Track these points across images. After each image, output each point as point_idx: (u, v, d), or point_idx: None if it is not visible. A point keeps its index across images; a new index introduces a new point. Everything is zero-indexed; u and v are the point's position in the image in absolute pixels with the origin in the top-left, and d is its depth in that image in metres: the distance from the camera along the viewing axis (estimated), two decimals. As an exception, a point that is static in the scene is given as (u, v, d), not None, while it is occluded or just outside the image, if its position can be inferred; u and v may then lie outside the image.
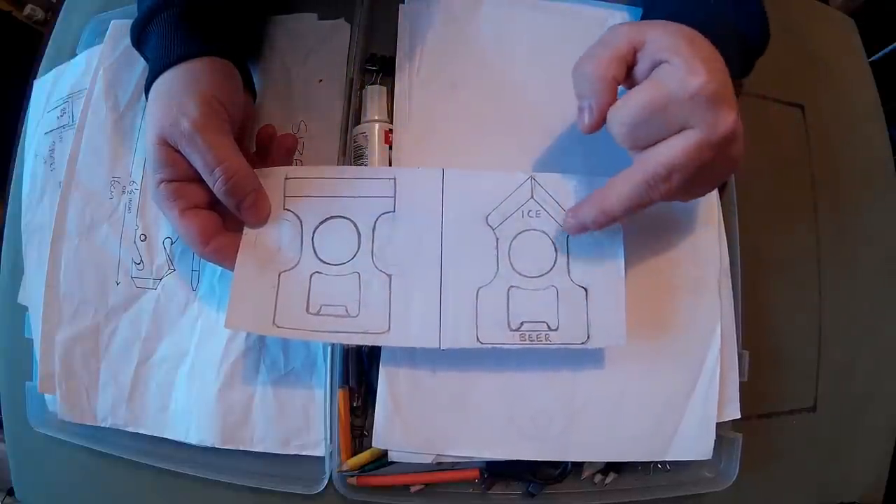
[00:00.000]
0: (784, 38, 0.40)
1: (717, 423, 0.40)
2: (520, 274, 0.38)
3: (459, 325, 0.37)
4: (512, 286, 0.37)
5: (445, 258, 0.38)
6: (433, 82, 0.45)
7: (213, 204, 0.37)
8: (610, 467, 0.42)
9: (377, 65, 0.47)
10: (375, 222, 0.38)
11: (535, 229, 0.38)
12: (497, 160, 0.43)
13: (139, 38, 0.40)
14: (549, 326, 0.37)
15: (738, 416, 0.41)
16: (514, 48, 0.46)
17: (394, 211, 0.38)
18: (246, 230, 0.38)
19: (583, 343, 0.36)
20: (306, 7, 0.48)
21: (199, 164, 0.35)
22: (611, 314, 0.37)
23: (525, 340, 0.37)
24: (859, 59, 0.57)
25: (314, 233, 0.38)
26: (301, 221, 0.38)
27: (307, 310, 0.37)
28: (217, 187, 0.35)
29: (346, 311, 0.37)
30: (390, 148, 0.43)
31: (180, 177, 0.36)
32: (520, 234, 0.38)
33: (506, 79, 0.45)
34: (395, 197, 0.39)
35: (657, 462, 0.42)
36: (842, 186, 0.52)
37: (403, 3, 0.47)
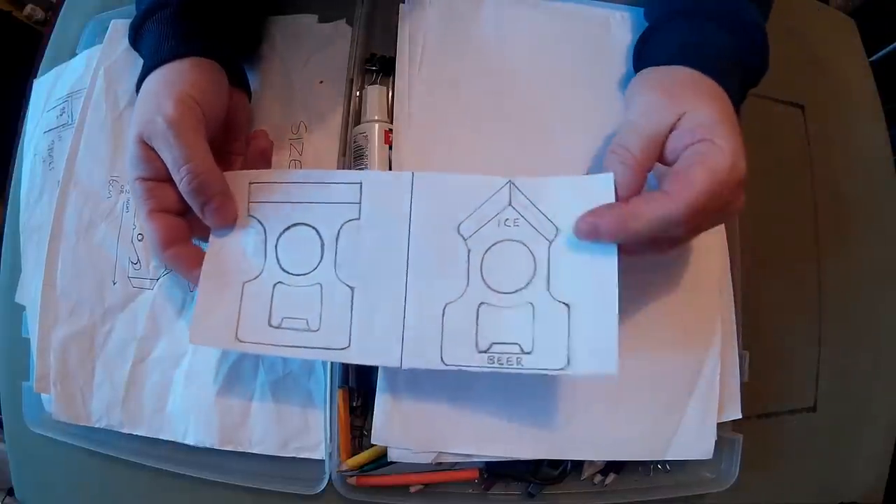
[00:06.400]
0: (784, 39, 0.40)
1: (718, 424, 0.40)
2: (492, 289, 0.35)
3: (423, 343, 0.35)
4: (482, 303, 0.35)
5: (411, 271, 0.35)
6: (433, 82, 0.45)
7: (186, 211, 0.37)
8: (610, 468, 0.42)
9: (377, 65, 0.47)
10: (339, 230, 0.37)
11: (512, 240, 0.35)
12: (497, 160, 0.43)
13: (136, 37, 0.40)
14: (521, 349, 0.34)
15: (739, 416, 0.41)
16: (514, 48, 0.46)
17: (359, 218, 0.36)
18: (212, 240, 0.37)
19: (561, 369, 0.33)
20: (306, 8, 0.48)
21: (168, 162, 0.35)
22: (598, 335, 0.32)
23: (493, 363, 0.34)
24: (859, 59, 0.57)
25: (278, 241, 0.37)
26: (265, 229, 0.37)
27: (269, 322, 0.36)
28: (182, 186, 0.35)
29: (308, 324, 0.36)
30: (390, 148, 0.43)
31: (155, 176, 0.36)
32: (495, 244, 0.35)
33: (506, 79, 0.45)
34: (360, 203, 0.37)
35: (657, 462, 0.42)
36: (842, 186, 0.52)
37: (403, 3, 0.47)
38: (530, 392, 0.39)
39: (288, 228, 0.37)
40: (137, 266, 0.44)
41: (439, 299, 0.35)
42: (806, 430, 0.47)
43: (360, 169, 0.43)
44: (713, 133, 0.33)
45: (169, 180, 0.36)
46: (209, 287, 0.36)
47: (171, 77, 0.37)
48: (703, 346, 0.41)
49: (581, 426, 0.39)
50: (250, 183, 0.37)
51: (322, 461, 0.41)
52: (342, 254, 0.36)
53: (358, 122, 0.45)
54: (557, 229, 0.35)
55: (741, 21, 0.38)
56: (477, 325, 0.35)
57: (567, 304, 0.34)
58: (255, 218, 0.37)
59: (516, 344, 0.34)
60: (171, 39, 0.38)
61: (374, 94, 0.45)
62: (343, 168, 0.44)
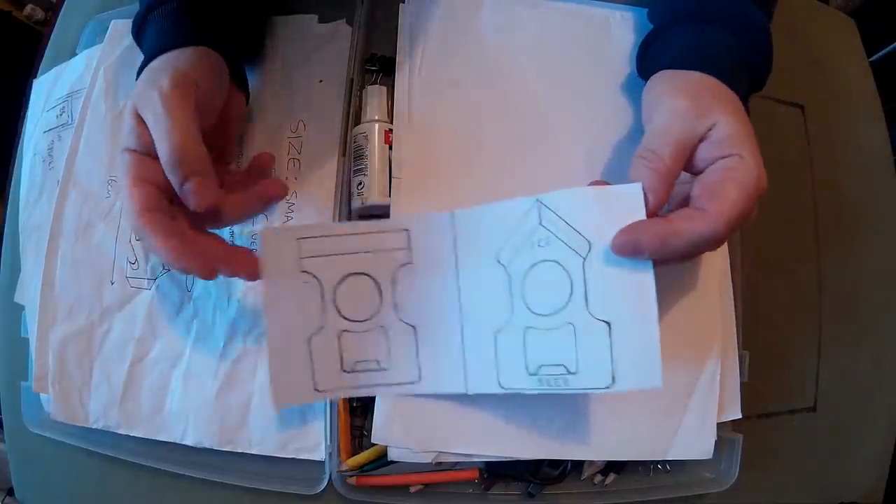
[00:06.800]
0: (784, 39, 0.40)
1: (718, 424, 0.40)
2: (534, 313, 0.35)
3: (482, 370, 0.37)
4: (528, 327, 0.35)
5: (464, 303, 0.37)
6: (433, 82, 0.45)
7: (170, 198, 0.35)
8: (610, 468, 0.42)
9: (377, 65, 0.47)
10: (394, 275, 0.38)
11: (547, 260, 0.35)
12: (497, 159, 0.43)
13: (138, 32, 0.40)
14: (567, 370, 0.34)
15: (739, 416, 0.41)
16: (515, 48, 0.46)
17: (411, 262, 0.38)
18: (267, 301, 0.37)
19: (607, 387, 0.33)
20: (306, 8, 0.48)
21: (153, 134, 0.34)
22: (640, 351, 0.32)
23: (544, 385, 0.35)
24: (859, 59, 0.57)
25: (335, 292, 0.38)
26: (320, 282, 0.38)
27: (342, 368, 0.38)
28: (163, 158, 0.33)
29: (378, 364, 0.38)
30: (390, 148, 0.43)
31: (144, 150, 0.35)
32: (532, 267, 0.35)
33: (507, 78, 0.45)
34: (410, 248, 0.38)
35: (657, 462, 0.42)
36: (842, 186, 0.52)
37: (403, 2, 0.47)
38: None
39: (344, 279, 0.38)
40: (135, 266, 0.44)
41: (490, 328, 0.37)
42: (806, 430, 0.47)
43: (359, 169, 0.43)
44: (741, 147, 0.33)
45: (157, 157, 0.34)
46: (277, 348, 0.38)
47: (170, 59, 0.37)
48: (703, 347, 0.41)
49: (581, 426, 0.39)
50: (298, 239, 0.38)
51: (322, 461, 0.41)
52: (400, 297, 0.38)
53: (358, 122, 0.45)
54: (590, 244, 0.34)
55: (746, 23, 0.38)
56: (525, 349, 0.35)
57: (607, 323, 0.33)
58: (308, 273, 0.38)
59: (562, 365, 0.34)
60: (174, 31, 0.38)
61: (374, 94, 0.45)
62: (343, 168, 0.44)
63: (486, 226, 0.36)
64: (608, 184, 0.35)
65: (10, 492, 0.49)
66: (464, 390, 0.37)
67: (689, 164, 0.34)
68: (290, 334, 0.38)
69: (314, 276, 0.38)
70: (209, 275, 0.35)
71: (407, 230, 0.38)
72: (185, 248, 0.34)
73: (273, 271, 0.37)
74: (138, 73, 0.38)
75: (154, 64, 0.37)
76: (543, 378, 0.35)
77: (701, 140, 0.34)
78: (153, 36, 0.39)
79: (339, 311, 0.38)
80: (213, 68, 0.38)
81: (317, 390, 0.38)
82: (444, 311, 0.38)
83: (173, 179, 0.34)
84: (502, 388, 0.36)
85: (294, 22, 0.48)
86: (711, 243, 0.32)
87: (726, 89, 0.36)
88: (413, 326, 0.38)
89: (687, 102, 0.34)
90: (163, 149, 0.33)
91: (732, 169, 0.33)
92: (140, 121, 0.35)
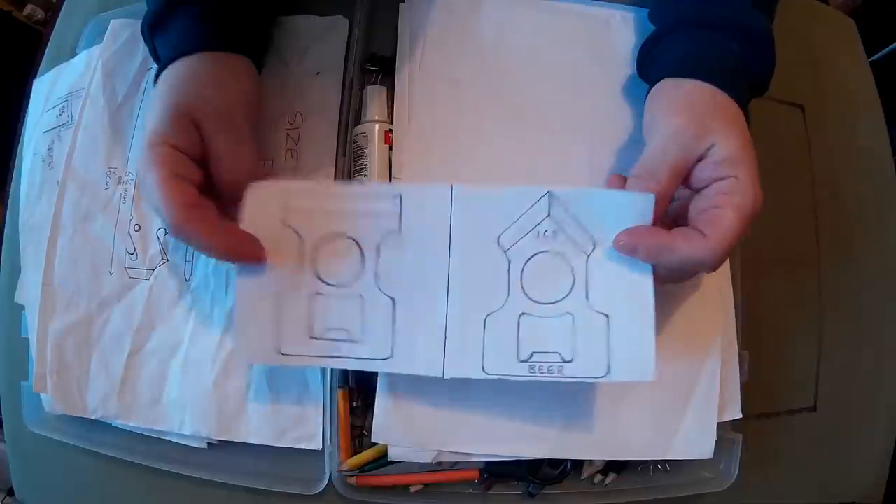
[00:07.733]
0: (784, 38, 0.40)
1: (718, 424, 0.40)
2: (532, 300, 0.35)
3: (465, 353, 0.35)
4: (523, 313, 0.35)
5: (453, 282, 0.35)
6: (434, 82, 0.45)
7: (201, 189, 0.36)
8: (610, 468, 0.42)
9: (377, 65, 0.47)
10: (380, 242, 0.36)
11: (550, 251, 0.35)
12: (497, 159, 0.43)
13: (153, 23, 0.38)
14: (562, 358, 0.34)
15: (740, 416, 0.41)
16: (515, 47, 0.46)
17: (399, 230, 0.36)
18: None
19: (602, 376, 0.34)
20: (307, 8, 0.48)
21: (219, 147, 0.35)
22: (636, 344, 0.33)
23: (535, 372, 0.34)
24: (859, 59, 0.57)
25: (316, 251, 0.36)
26: (301, 238, 0.36)
27: (310, 334, 0.36)
28: (227, 175, 0.35)
29: (349, 335, 0.36)
30: (390, 148, 0.43)
31: (185, 148, 0.34)
32: (534, 255, 0.35)
33: (507, 78, 0.45)
34: (400, 215, 0.36)
35: (657, 462, 0.42)
36: (842, 186, 0.52)
37: (403, 2, 0.47)
38: (530, 392, 0.39)
39: (326, 239, 0.36)
40: (134, 256, 0.44)
41: (481, 310, 0.35)
42: (806, 430, 0.47)
43: (359, 169, 0.43)
44: (738, 168, 0.33)
45: (192, 156, 0.35)
46: (245, 300, 0.36)
47: (225, 67, 0.37)
48: (703, 346, 0.41)
49: (581, 426, 0.39)
50: (287, 190, 0.36)
51: (321, 457, 0.41)
52: (383, 266, 0.36)
53: (358, 122, 0.45)
54: (595, 242, 0.35)
55: (748, 28, 0.38)
56: (518, 335, 0.35)
57: (606, 315, 0.34)
58: (290, 227, 0.36)
59: (557, 353, 0.35)
60: (209, 28, 0.37)
61: (374, 95, 0.45)
62: (343, 169, 0.43)
63: (488, 207, 0.35)
64: (625, 179, 0.36)
65: (10, 492, 0.49)
66: (439, 373, 0.35)
67: (685, 181, 0.35)
68: (262, 288, 0.35)
69: (295, 231, 0.36)
70: (259, 259, 0.35)
71: (400, 196, 0.36)
72: (231, 240, 0.34)
73: (253, 219, 0.35)
74: (166, 62, 0.37)
75: (200, 62, 0.36)
76: (535, 365, 0.35)
77: (699, 159, 0.34)
78: (184, 29, 0.37)
79: (316, 272, 0.36)
80: (257, 84, 0.40)
81: (281, 353, 0.36)
82: (429, 286, 0.36)
83: (227, 195, 0.36)
84: (486, 373, 0.35)
85: (292, 17, 0.48)
86: (706, 267, 0.33)
87: (725, 99, 0.36)
88: (392, 299, 0.36)
89: (683, 122, 0.35)
90: (230, 168, 0.35)
91: (729, 193, 0.33)
92: (189, 120, 0.34)
